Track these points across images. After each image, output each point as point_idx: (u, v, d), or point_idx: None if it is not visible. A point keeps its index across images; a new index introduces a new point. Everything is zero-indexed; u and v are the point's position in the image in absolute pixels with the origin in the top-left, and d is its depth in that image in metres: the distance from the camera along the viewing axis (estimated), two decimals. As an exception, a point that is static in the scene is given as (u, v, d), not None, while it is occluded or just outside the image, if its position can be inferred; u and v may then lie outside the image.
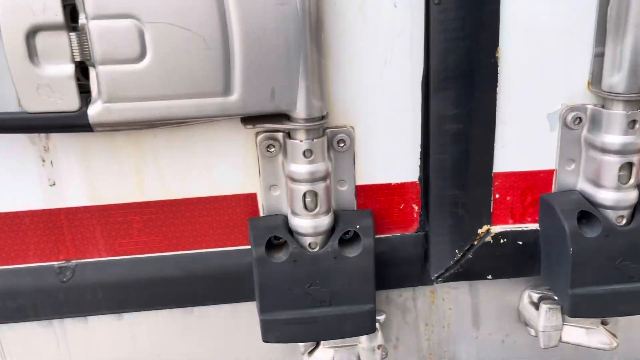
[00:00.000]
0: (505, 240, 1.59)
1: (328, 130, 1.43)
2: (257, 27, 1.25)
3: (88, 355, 1.66)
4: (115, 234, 1.52)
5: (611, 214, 1.50)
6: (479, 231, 1.58)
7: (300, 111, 1.32)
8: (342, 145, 1.46)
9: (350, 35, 1.37)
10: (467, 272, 1.60)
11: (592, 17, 1.42)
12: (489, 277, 1.61)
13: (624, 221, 1.50)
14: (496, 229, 1.58)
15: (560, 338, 1.65)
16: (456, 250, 1.58)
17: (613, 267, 1.51)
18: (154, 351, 1.68)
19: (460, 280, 1.61)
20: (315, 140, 1.37)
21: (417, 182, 1.53)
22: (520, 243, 1.60)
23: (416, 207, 1.57)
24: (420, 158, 1.51)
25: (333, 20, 1.35)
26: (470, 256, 1.58)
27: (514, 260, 1.61)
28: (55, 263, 1.53)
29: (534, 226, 1.61)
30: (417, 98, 1.45)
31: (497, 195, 1.57)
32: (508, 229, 1.59)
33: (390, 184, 1.53)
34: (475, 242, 1.58)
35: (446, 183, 1.52)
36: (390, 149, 1.50)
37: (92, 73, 1.27)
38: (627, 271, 1.52)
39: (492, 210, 1.58)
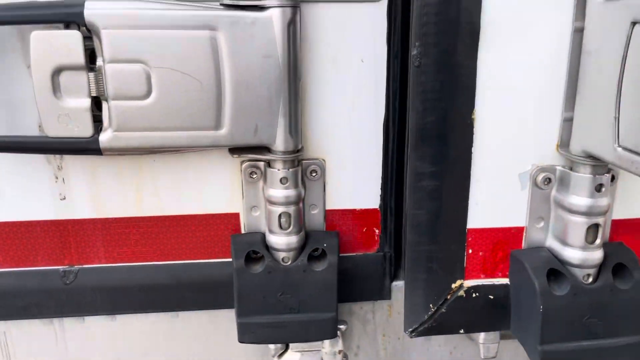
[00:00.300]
0: (477, 294, 1.65)
1: (303, 161, 1.66)
2: (245, 75, 1.49)
3: (83, 351, 1.86)
4: (114, 244, 1.73)
5: (578, 272, 1.55)
6: (453, 286, 1.65)
7: (278, 145, 1.56)
8: (314, 174, 1.70)
9: (324, 83, 1.61)
10: (441, 326, 1.66)
11: (562, 84, 1.51)
12: (461, 331, 1.69)
13: (590, 279, 1.56)
14: (469, 283, 1.65)
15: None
16: (430, 305, 1.65)
17: (581, 325, 1.55)
18: (142, 349, 1.88)
19: (433, 334, 1.67)
20: (290, 170, 1.61)
21: (378, 209, 1.77)
22: (492, 297, 1.66)
23: (377, 230, 1.80)
24: (381, 188, 1.75)
25: (309, 70, 1.59)
26: (443, 310, 1.65)
27: (486, 314, 1.67)
28: (60, 267, 1.74)
29: (505, 281, 1.68)
30: (379, 137, 1.69)
31: (470, 251, 1.64)
32: (480, 284, 1.67)
33: (355, 210, 1.77)
34: (449, 297, 1.65)
35: (422, 238, 1.60)
36: (355, 179, 1.72)
37: (104, 106, 1.50)
38: (594, 328, 1.56)
39: (465, 265, 1.65)
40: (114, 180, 1.67)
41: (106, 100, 1.49)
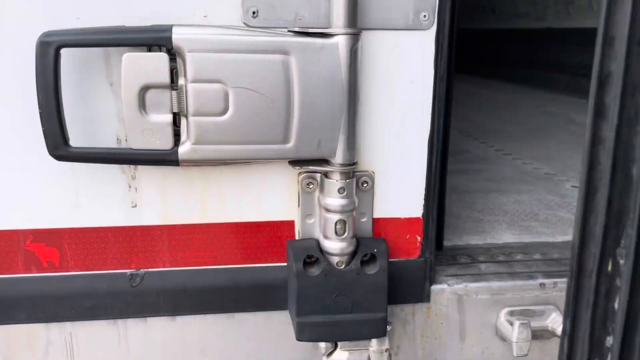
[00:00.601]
0: None
1: (356, 173, 1.83)
2: (312, 95, 1.65)
3: (144, 351, 1.97)
4: (179, 248, 1.86)
5: None
6: None
7: (338, 158, 1.72)
8: (365, 185, 1.86)
9: (377, 102, 1.79)
10: None
11: None
12: None
13: None
14: None
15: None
16: None
17: None
18: (199, 349, 2.00)
19: None
20: (347, 181, 1.76)
21: (421, 217, 1.94)
22: None
23: (419, 238, 1.96)
24: (424, 198, 1.91)
25: (366, 91, 1.77)
26: None
27: None
28: (127, 270, 1.87)
29: None
30: (424, 152, 1.86)
31: None
32: None
33: (399, 218, 1.93)
34: None
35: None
36: (401, 190, 1.88)
37: (183, 121, 1.65)
38: None
39: None
40: (182, 189, 1.81)
41: (185, 116, 1.64)
